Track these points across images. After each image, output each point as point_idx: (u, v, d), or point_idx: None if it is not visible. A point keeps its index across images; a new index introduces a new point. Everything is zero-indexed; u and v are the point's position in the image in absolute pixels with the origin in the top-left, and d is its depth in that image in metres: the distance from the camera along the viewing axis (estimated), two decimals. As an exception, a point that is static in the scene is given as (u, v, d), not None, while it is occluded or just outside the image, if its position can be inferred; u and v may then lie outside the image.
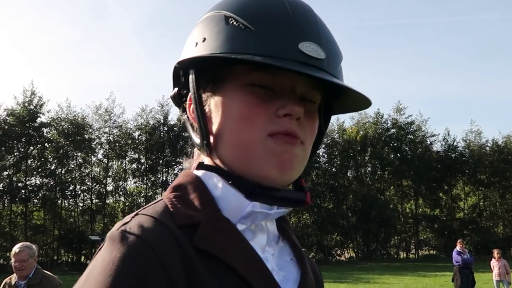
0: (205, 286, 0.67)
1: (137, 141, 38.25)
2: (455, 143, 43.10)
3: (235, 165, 0.77)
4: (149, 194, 38.51)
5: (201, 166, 0.81)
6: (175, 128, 38.47)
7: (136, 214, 0.73)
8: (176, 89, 0.86)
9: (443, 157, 41.70)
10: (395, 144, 41.07)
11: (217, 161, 0.79)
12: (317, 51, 0.73)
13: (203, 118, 0.78)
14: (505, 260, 12.09)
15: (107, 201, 38.34)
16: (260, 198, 0.75)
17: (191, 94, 0.79)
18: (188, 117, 0.86)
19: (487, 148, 43.04)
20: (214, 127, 0.79)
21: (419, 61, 75.39)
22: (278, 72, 0.74)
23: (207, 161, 0.82)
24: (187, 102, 0.84)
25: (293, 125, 0.75)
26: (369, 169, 42.08)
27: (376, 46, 75.47)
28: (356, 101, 0.82)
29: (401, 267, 28.91)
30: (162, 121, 38.54)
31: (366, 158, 41.35)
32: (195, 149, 0.87)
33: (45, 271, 4.30)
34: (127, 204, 38.48)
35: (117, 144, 37.81)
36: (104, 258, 0.66)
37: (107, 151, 37.93)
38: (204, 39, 0.77)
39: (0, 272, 29.71)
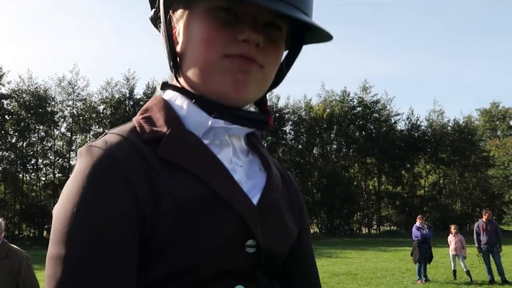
0: (169, 190, 0.72)
1: (101, 115, 37.55)
2: (418, 122, 44.25)
3: (196, 85, 0.81)
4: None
5: (164, 85, 0.86)
6: (141, 103, 37.88)
7: (105, 134, 0.78)
8: (153, 10, 0.89)
9: (407, 136, 42.73)
10: (361, 122, 41.72)
11: (182, 81, 0.84)
12: None
13: (170, 40, 0.82)
14: (461, 235, 12.53)
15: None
16: (221, 116, 0.80)
17: (161, 15, 0.82)
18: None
19: (449, 128, 44.40)
20: (182, 50, 0.82)
21: (387, 40, 76.23)
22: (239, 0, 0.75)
23: (174, 82, 0.86)
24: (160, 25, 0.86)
25: (251, 50, 0.77)
26: (334, 146, 42.66)
27: (346, 24, 75.78)
28: (320, 34, 0.84)
29: (363, 242, 29.66)
30: (127, 95, 37.89)
31: (332, 135, 41.86)
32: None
33: (12, 244, 4.22)
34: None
35: (81, 117, 37.02)
36: (74, 171, 0.73)
37: (71, 125, 37.11)
38: None
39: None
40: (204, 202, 0.74)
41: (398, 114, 43.47)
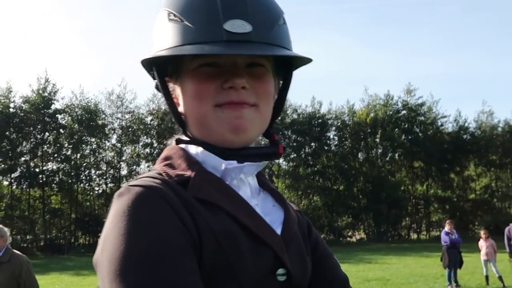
0: (207, 222, 0.76)
1: (149, 126, 38.93)
2: (466, 124, 42.89)
3: (202, 136, 0.89)
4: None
5: (177, 140, 0.93)
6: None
7: (135, 179, 0.84)
8: (157, 81, 0.96)
9: (454, 138, 41.50)
10: (406, 126, 40.99)
11: (190, 135, 0.92)
12: (242, 26, 0.81)
13: (172, 104, 0.91)
14: (492, 240, 12.35)
15: (122, 185, 39.15)
16: (232, 158, 0.87)
17: (159, 87, 0.92)
18: None
19: (499, 129, 42.74)
20: (181, 109, 0.91)
21: (431, 41, 74.44)
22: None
23: (184, 137, 0.94)
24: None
25: (239, 95, 0.84)
26: (379, 151, 42.11)
27: (388, 25, 74.66)
28: (298, 58, 0.91)
29: (408, 248, 29.19)
30: (173, 106, 39.04)
31: (376, 140, 41.38)
32: None
33: (14, 250, 4.83)
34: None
35: (129, 129, 38.55)
36: (116, 210, 0.74)
37: (120, 136, 38.72)
38: (156, 38, 0.90)
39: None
40: (238, 236, 0.79)
41: (444, 116, 42.32)
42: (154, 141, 39.08)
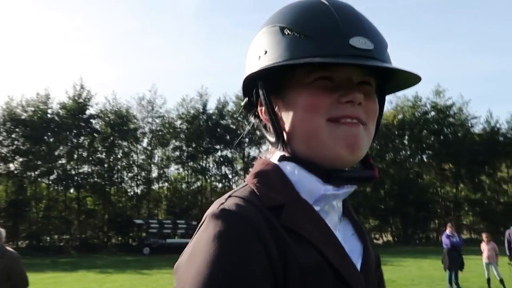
0: (294, 255, 0.75)
1: (178, 129, 40.02)
2: (498, 125, 42.13)
3: (308, 153, 0.85)
4: (191, 180, 40.38)
5: (281, 158, 0.88)
6: (213, 117, 39.97)
7: (229, 196, 0.82)
8: (246, 98, 0.97)
9: (486, 140, 40.74)
10: (435, 127, 40.53)
11: (291, 152, 0.88)
12: (366, 43, 0.82)
13: (276, 118, 0.88)
14: (494, 243, 12.42)
15: (152, 187, 40.45)
16: (336, 181, 0.84)
17: (262, 101, 0.89)
18: (260, 120, 0.97)
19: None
20: (285, 124, 0.88)
21: (458, 41, 72.86)
22: (335, 68, 0.83)
23: (282, 153, 0.90)
24: (258, 108, 0.94)
25: (355, 109, 0.83)
26: (408, 152, 41.78)
27: (413, 27, 73.54)
28: (406, 78, 0.90)
29: (434, 250, 28.93)
30: (201, 110, 40.13)
31: (405, 141, 41.09)
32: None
33: (7, 247, 5.57)
34: (170, 189, 40.41)
35: (159, 133, 39.73)
36: (208, 233, 0.74)
37: (151, 140, 39.94)
38: (266, 52, 0.87)
39: (58, 252, 32.57)
40: (323, 272, 0.78)
41: (475, 117, 41.71)
42: (183, 144, 40.13)
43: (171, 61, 76.15)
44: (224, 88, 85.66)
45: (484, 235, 12.68)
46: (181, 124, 40.17)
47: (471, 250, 27.69)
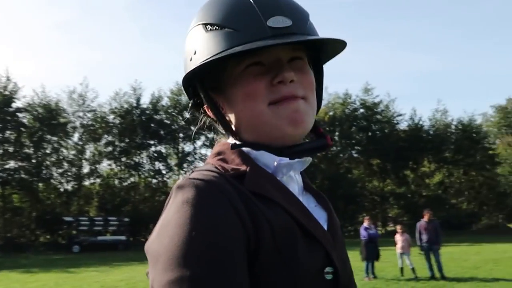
0: (264, 215, 0.78)
1: (111, 124, 39.14)
2: (421, 122, 44.50)
3: (257, 139, 0.90)
4: (124, 176, 39.71)
5: (235, 145, 0.91)
6: (147, 112, 39.50)
7: (193, 172, 0.86)
8: (192, 101, 1.00)
9: (410, 136, 42.93)
10: (364, 124, 42.25)
11: (243, 140, 0.92)
12: (284, 21, 0.85)
13: (220, 114, 0.93)
14: (407, 234, 13.33)
15: (83, 183, 39.39)
16: (290, 155, 0.88)
17: (204, 100, 0.94)
18: (208, 116, 1.01)
19: (452, 127, 44.51)
20: (231, 117, 0.93)
21: (386, 41, 76.16)
22: (262, 52, 0.87)
23: (233, 140, 0.94)
24: (204, 106, 0.98)
25: (290, 88, 0.86)
26: (338, 148, 43.26)
27: (349, 26, 75.97)
28: (334, 46, 0.93)
29: (358, 242, 30.23)
30: (135, 104, 39.48)
31: (335, 138, 42.49)
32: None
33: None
34: (102, 185, 39.53)
35: (91, 127, 38.73)
36: (177, 202, 0.76)
37: (82, 135, 38.85)
38: (195, 52, 0.90)
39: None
40: (293, 231, 0.80)
41: (400, 115, 43.85)
42: (116, 140, 39.33)
43: (104, 54, 74.23)
44: (159, 83, 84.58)
45: (398, 227, 13.58)
46: (113, 118, 39.28)
47: (391, 241, 29.25)
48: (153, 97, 40.22)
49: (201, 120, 1.04)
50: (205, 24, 0.90)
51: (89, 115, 38.89)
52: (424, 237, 12.63)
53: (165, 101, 40.70)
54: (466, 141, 42.72)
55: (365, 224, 13.45)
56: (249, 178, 0.84)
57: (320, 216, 0.93)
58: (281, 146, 0.88)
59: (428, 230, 12.68)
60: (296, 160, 0.89)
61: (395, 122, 43.78)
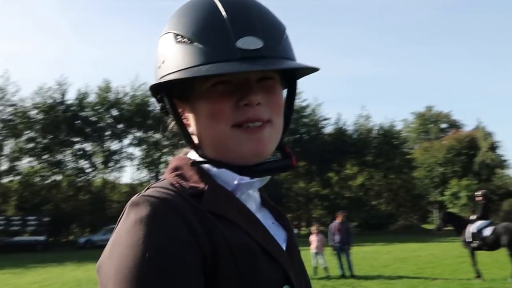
0: (222, 235, 0.77)
1: (33, 120, 37.55)
2: (345, 127, 46.45)
3: (217, 156, 0.88)
4: (45, 174, 38.22)
5: (195, 163, 0.90)
6: (72, 108, 38.27)
7: (148, 188, 0.84)
8: (160, 104, 0.97)
9: (335, 140, 44.56)
10: (291, 127, 43.03)
11: (203, 154, 0.91)
12: (255, 42, 0.82)
13: (182, 126, 0.91)
14: (322, 235, 13.97)
15: (1, 181, 37.47)
16: (250, 174, 0.87)
17: (168, 109, 0.91)
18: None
19: (374, 132, 46.84)
20: (193, 129, 0.91)
21: (321, 45, 78.46)
22: None
23: (197, 156, 0.91)
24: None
25: (255, 111, 0.84)
26: (266, 150, 43.97)
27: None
28: (303, 68, 0.90)
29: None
30: (59, 100, 38.14)
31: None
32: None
33: None
34: (21, 183, 37.82)
35: (11, 122, 36.94)
36: (130, 220, 0.74)
37: (1, 130, 36.94)
38: (164, 61, 0.88)
39: None
40: (253, 250, 0.80)
41: (326, 119, 45.55)
42: (38, 136, 37.79)
43: (29, 47, 70.68)
44: (86, 79, 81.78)
45: (313, 228, 14.16)
46: (36, 114, 37.73)
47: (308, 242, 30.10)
48: (79, 93, 39.06)
49: (170, 126, 1.02)
50: (176, 34, 0.87)
51: (9, 109, 37.09)
52: (337, 238, 13.27)
53: (92, 98, 39.61)
54: (387, 146, 45.06)
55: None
56: (207, 198, 0.83)
57: (278, 234, 0.92)
58: (242, 166, 0.87)
59: (340, 231, 13.34)
60: (256, 179, 0.89)
61: (321, 126, 45.34)
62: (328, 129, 46.14)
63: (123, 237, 0.73)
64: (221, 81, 0.85)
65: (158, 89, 0.92)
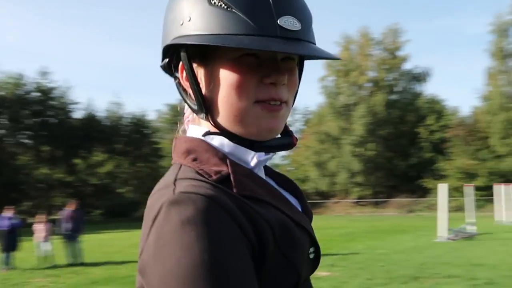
0: (260, 217, 0.77)
1: None
2: (96, 112, 45.58)
3: (231, 127, 0.85)
4: None
5: (208, 133, 0.87)
6: None
7: (175, 180, 0.79)
8: (167, 59, 0.91)
9: (84, 125, 43.33)
10: (37, 109, 40.32)
11: (214, 123, 0.87)
12: (294, 24, 0.81)
13: (199, 89, 0.85)
14: (49, 223, 13.72)
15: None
16: (260, 149, 0.87)
17: (184, 67, 0.86)
18: (180, 84, 0.91)
19: (126, 120, 47.15)
20: (208, 94, 0.85)
21: (90, 28, 75.32)
22: None
23: (205, 125, 0.89)
24: (179, 72, 0.89)
25: (278, 91, 0.83)
26: (4, 132, 40.06)
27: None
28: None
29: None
30: None
31: (3, 121, 39.20)
32: (185, 116, 0.96)
33: None
34: None
35: None
36: (175, 220, 0.70)
37: None
38: (190, 19, 0.82)
39: None
40: (287, 227, 0.81)
41: (76, 103, 43.91)
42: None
43: None
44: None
45: (40, 217, 13.83)
46: None
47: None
48: None
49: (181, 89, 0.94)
50: None
51: None
52: (68, 226, 13.25)
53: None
54: (137, 135, 45.79)
55: (7, 213, 13.19)
56: (236, 181, 0.82)
57: (290, 199, 0.96)
58: (253, 140, 0.88)
59: (73, 219, 13.36)
60: (271, 155, 0.92)
61: (70, 110, 43.41)
62: (78, 114, 44.62)
63: (171, 239, 0.70)
64: (250, 53, 0.83)
65: (173, 46, 0.88)
